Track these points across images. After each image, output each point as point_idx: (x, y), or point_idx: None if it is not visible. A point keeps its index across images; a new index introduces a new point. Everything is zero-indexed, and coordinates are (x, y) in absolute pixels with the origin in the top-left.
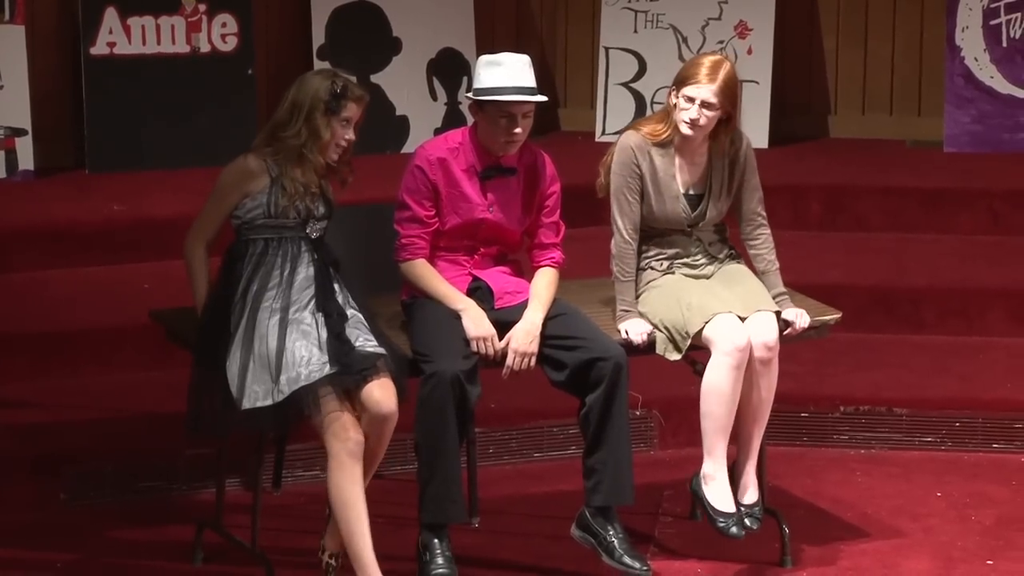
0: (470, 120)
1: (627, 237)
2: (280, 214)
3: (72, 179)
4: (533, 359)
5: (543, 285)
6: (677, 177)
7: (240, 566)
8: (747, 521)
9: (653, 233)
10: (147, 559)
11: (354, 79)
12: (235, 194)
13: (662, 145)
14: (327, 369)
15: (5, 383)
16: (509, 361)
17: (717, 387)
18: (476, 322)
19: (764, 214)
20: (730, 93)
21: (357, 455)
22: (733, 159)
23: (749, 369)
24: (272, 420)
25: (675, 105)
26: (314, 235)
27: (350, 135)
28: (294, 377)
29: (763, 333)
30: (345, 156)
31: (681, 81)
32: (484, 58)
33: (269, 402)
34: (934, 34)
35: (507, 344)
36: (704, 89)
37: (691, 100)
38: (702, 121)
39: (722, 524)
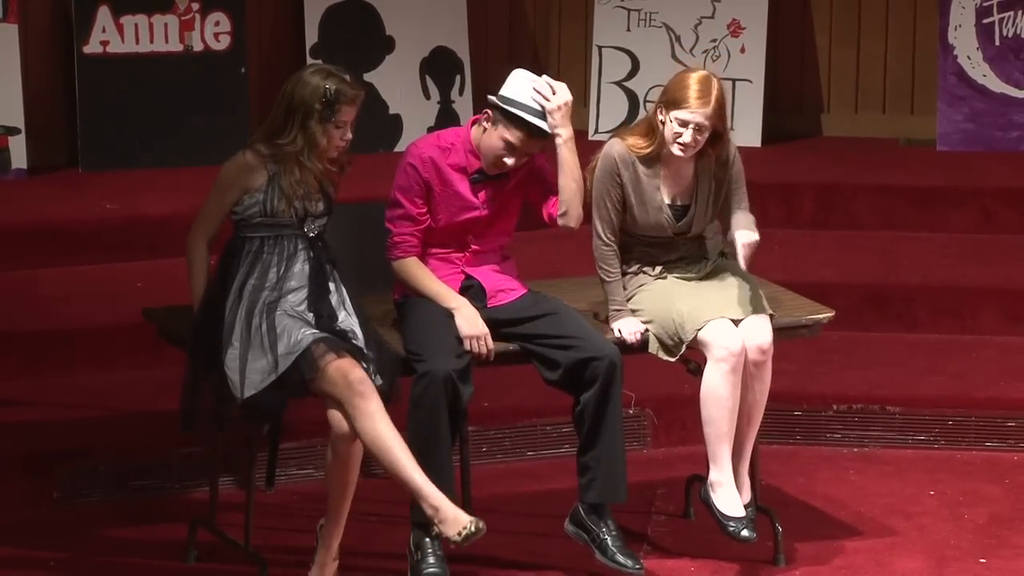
0: (463, 119)
1: (606, 240)
2: (277, 213)
3: (65, 178)
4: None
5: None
6: (662, 188)
7: (233, 564)
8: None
9: (643, 240)
10: (140, 557)
11: (348, 77)
12: (235, 190)
13: (648, 159)
14: (320, 335)
15: None
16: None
17: (715, 393)
18: (469, 321)
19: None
20: (722, 112)
21: (366, 392)
22: (721, 176)
23: (743, 372)
24: (274, 401)
25: (663, 123)
26: (312, 233)
27: (347, 135)
28: (290, 348)
29: (757, 336)
30: (342, 152)
31: (672, 103)
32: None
33: (272, 379)
34: (927, 32)
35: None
36: (698, 114)
37: (684, 124)
38: (695, 144)
39: (732, 528)
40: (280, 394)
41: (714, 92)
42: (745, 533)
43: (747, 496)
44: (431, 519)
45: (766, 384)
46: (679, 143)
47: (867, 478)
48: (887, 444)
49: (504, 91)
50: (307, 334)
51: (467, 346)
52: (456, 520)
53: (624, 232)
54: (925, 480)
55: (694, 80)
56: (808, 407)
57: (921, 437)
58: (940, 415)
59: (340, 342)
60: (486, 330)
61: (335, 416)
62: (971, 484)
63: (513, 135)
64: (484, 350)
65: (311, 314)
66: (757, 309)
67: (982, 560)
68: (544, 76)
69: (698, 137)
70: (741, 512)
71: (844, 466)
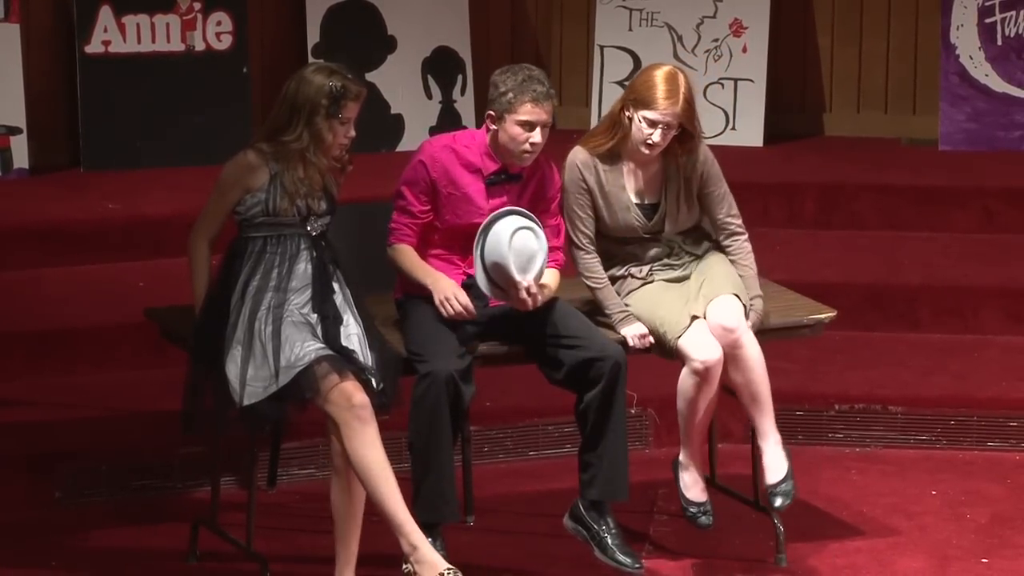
0: (464, 118)
1: (586, 248)
2: (279, 212)
3: (67, 178)
4: (535, 300)
5: (547, 281)
6: (628, 187)
7: (235, 564)
8: (776, 500)
9: (620, 241)
10: (142, 558)
11: (350, 75)
12: (236, 190)
13: (609, 157)
14: (324, 352)
15: (0, 381)
16: (520, 294)
17: (685, 394)
18: (439, 287)
19: (737, 221)
20: (690, 110)
21: (365, 418)
22: (690, 175)
23: (724, 356)
24: (274, 411)
25: (629, 119)
26: (314, 232)
27: (351, 132)
28: (291, 362)
29: (720, 317)
30: (345, 151)
31: (639, 102)
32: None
33: (272, 390)
34: (929, 32)
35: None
36: (667, 114)
37: (653, 124)
38: (663, 143)
39: (690, 513)
40: (280, 405)
41: (682, 90)
42: (702, 520)
43: (779, 474)
44: (406, 556)
45: (753, 361)
46: (647, 143)
47: (869, 478)
48: (889, 444)
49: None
50: (309, 349)
51: (443, 311)
52: (433, 565)
53: (601, 236)
54: (927, 480)
55: (661, 78)
56: (810, 407)
57: (923, 437)
58: (942, 415)
59: (343, 361)
60: (458, 290)
61: (336, 442)
62: (973, 484)
63: (523, 111)
64: (458, 308)
65: (316, 315)
66: (721, 292)
67: (984, 560)
68: (529, 278)
69: (667, 135)
70: (701, 498)
71: (846, 466)
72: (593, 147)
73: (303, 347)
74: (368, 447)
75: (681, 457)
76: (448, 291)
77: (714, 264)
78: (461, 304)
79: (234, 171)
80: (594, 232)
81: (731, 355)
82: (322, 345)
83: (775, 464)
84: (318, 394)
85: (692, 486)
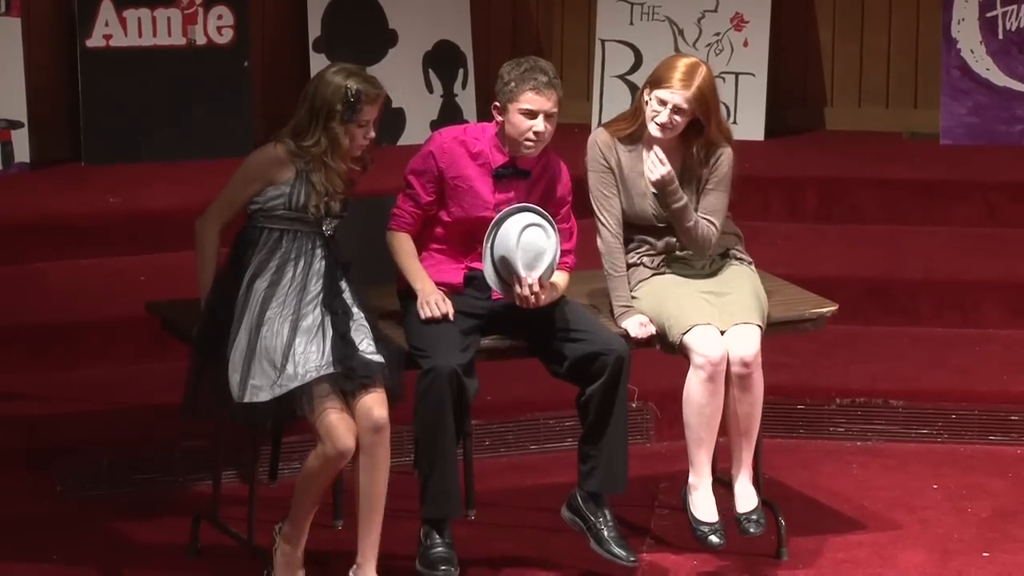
0: (465, 112)
1: (612, 232)
2: (301, 208)
3: (68, 171)
4: (537, 298)
5: (556, 281)
6: (646, 174)
7: (236, 558)
8: (749, 527)
9: (635, 228)
10: (143, 552)
11: (370, 76)
12: (259, 181)
13: (630, 142)
14: (326, 369)
15: (1, 375)
16: (522, 290)
17: (692, 399)
18: (426, 291)
19: (716, 221)
20: (704, 100)
21: (339, 460)
22: (703, 170)
23: (729, 383)
24: (269, 414)
25: (646, 103)
26: (328, 232)
27: (370, 134)
28: (293, 374)
29: (740, 348)
30: (367, 151)
31: (655, 82)
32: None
33: (267, 397)
34: (930, 26)
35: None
36: (677, 95)
37: (663, 103)
38: (672, 125)
39: (700, 533)
40: (277, 408)
41: (698, 79)
42: (714, 539)
43: (751, 503)
44: (279, 531)
45: (755, 396)
46: (656, 122)
47: (870, 472)
48: (890, 438)
49: (499, 238)
50: (313, 365)
51: (423, 314)
52: (293, 565)
53: None
54: (928, 474)
55: (682, 63)
56: (811, 401)
57: (924, 431)
58: (943, 409)
59: (345, 381)
60: (440, 297)
61: (364, 407)
62: (974, 478)
63: (524, 100)
64: (436, 311)
65: (326, 311)
66: (744, 319)
67: (985, 554)
68: (534, 274)
69: (675, 118)
70: (712, 518)
71: (847, 460)
72: (615, 130)
73: (306, 363)
74: (323, 477)
75: (690, 479)
76: (431, 297)
77: (741, 280)
78: (442, 310)
79: (261, 162)
80: (620, 216)
81: (738, 385)
82: (325, 362)
83: (747, 494)
84: (312, 414)
85: (702, 506)
